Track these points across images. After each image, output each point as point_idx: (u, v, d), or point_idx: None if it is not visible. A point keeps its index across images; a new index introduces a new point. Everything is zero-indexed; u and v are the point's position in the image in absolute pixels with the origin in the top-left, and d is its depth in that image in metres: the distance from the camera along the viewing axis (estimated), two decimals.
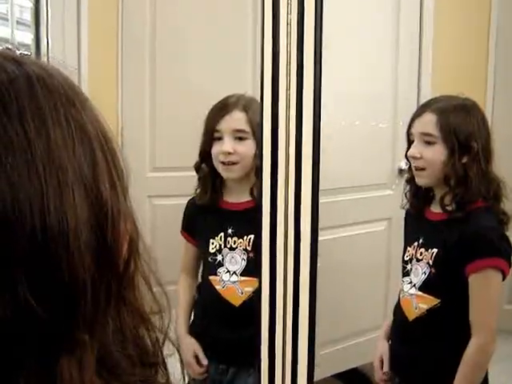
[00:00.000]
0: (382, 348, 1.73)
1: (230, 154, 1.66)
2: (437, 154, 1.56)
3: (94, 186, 0.43)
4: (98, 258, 0.42)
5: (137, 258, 0.48)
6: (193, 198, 1.80)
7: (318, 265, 1.57)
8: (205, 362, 1.76)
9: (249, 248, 1.70)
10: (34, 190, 0.39)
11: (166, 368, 0.51)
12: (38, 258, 0.39)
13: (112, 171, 0.45)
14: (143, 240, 0.49)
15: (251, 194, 1.70)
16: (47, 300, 0.39)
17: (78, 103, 0.45)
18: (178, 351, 0.54)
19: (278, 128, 1.55)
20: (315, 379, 1.66)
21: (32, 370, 0.40)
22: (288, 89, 1.52)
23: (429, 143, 1.57)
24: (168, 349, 0.52)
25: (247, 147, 1.68)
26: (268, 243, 1.59)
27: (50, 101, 0.43)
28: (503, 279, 1.52)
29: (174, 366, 0.55)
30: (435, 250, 1.57)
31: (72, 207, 0.41)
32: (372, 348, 1.82)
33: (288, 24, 1.50)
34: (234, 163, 1.68)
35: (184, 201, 1.86)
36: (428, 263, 1.58)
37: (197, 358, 1.76)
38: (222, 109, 1.70)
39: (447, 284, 1.57)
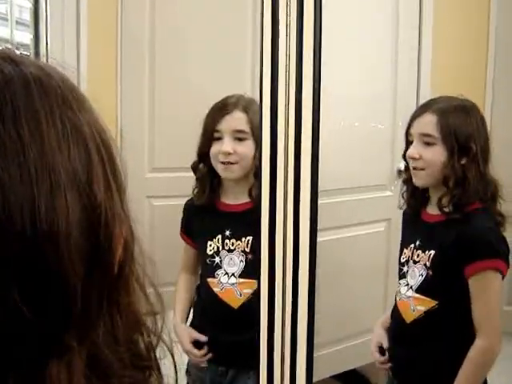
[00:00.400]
0: (379, 335, 1.73)
1: (229, 154, 1.66)
2: (436, 154, 1.56)
3: (87, 188, 0.42)
4: (90, 261, 0.42)
5: (131, 261, 0.48)
6: (191, 200, 1.80)
7: (317, 266, 1.57)
8: (204, 338, 1.74)
9: (247, 249, 1.70)
10: (25, 192, 0.39)
11: (160, 372, 0.51)
12: (27, 260, 0.39)
13: (108, 174, 0.45)
14: (139, 243, 0.49)
15: (249, 195, 1.69)
16: (37, 302, 0.39)
17: (75, 105, 0.44)
18: (172, 355, 0.54)
19: (277, 129, 1.55)
20: (314, 380, 1.66)
21: (21, 372, 0.40)
22: (287, 90, 1.52)
23: (428, 144, 1.57)
24: (162, 352, 0.52)
25: (247, 148, 1.68)
26: (267, 244, 1.58)
27: (45, 102, 0.42)
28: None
29: (168, 368, 0.55)
30: (432, 252, 1.57)
31: (64, 210, 0.40)
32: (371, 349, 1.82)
33: (287, 26, 1.50)
34: (233, 163, 1.68)
35: (183, 201, 1.85)
36: (425, 265, 1.58)
37: (194, 343, 1.75)
38: (222, 109, 1.70)
39: (445, 286, 1.57)
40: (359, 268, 2.48)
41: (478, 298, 1.51)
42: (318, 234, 1.57)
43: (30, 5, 2.56)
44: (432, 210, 1.63)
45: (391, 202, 2.36)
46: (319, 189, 1.56)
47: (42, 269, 0.39)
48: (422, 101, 1.81)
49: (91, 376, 0.44)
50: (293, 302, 1.57)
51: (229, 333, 1.70)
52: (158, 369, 0.51)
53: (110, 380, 0.46)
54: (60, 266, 0.40)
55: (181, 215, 1.86)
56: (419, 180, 1.62)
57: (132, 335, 0.48)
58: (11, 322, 0.39)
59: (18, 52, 0.47)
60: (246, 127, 1.68)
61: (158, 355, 0.51)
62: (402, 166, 1.78)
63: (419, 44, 2.68)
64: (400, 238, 1.76)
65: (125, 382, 0.47)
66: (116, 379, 0.46)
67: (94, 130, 0.45)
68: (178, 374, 0.56)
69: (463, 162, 1.55)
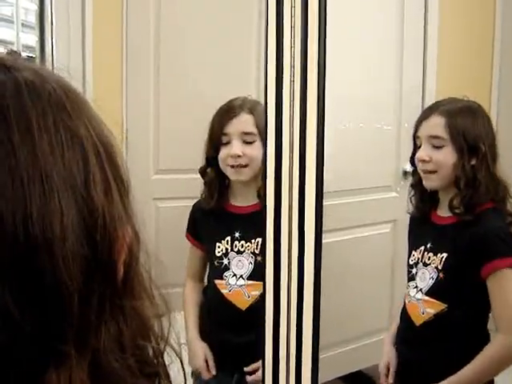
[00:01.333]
0: (389, 354, 1.72)
1: (239, 156, 1.66)
2: (447, 156, 1.56)
3: (84, 191, 0.42)
4: (88, 265, 0.41)
5: (136, 266, 0.47)
6: (199, 201, 1.80)
7: (323, 267, 1.57)
8: (213, 371, 1.74)
9: (257, 251, 1.69)
10: (17, 197, 0.38)
11: (169, 379, 0.50)
12: (21, 267, 0.38)
13: (108, 176, 0.44)
14: (145, 246, 0.48)
15: (258, 196, 1.69)
16: (31, 310, 0.38)
17: (70, 107, 0.44)
18: (181, 360, 0.53)
19: (281, 130, 1.55)
20: (320, 382, 1.66)
21: (18, 380, 0.39)
22: (292, 91, 1.52)
23: (437, 146, 1.57)
24: (168, 357, 0.51)
25: (256, 149, 1.67)
26: (272, 246, 1.58)
27: (37, 105, 0.42)
28: None
29: (175, 373, 0.54)
30: (444, 255, 1.56)
31: (58, 215, 0.40)
32: (377, 350, 1.82)
33: (292, 27, 1.49)
34: (243, 166, 1.67)
35: (189, 203, 1.85)
36: (436, 268, 1.57)
37: (207, 362, 1.76)
38: (228, 112, 1.69)
39: (456, 288, 1.56)
40: (365, 269, 2.48)
41: (497, 296, 1.51)
42: (324, 235, 1.57)
43: (35, 7, 2.57)
44: (442, 211, 1.62)
45: (397, 203, 2.36)
46: (324, 190, 1.56)
47: (35, 274, 0.39)
48: (428, 101, 1.82)
49: (95, 383, 0.43)
50: (298, 303, 1.57)
51: (236, 334, 1.70)
52: (167, 375, 0.50)
53: None
54: (55, 271, 0.39)
55: (187, 217, 1.85)
56: (431, 183, 1.61)
57: (139, 341, 0.47)
58: (5, 328, 0.38)
59: (24, 55, 0.47)
60: (253, 129, 1.67)
61: (165, 360, 0.51)
62: (407, 166, 1.78)
63: (424, 44, 2.68)
64: (406, 240, 1.75)
65: None
66: None
67: (92, 132, 0.44)
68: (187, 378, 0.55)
69: (473, 162, 1.55)
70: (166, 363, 0.51)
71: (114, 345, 0.45)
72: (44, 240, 0.39)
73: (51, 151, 0.41)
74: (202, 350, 1.75)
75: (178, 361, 0.53)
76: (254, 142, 1.67)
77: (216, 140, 1.69)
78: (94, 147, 0.44)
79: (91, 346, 0.43)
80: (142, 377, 0.47)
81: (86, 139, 0.43)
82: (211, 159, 1.71)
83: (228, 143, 1.67)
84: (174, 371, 0.53)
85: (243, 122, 1.67)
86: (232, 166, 1.67)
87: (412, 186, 1.70)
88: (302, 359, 1.59)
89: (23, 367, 0.39)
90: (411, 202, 1.70)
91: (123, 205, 0.45)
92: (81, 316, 0.41)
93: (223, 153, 1.68)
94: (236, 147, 1.66)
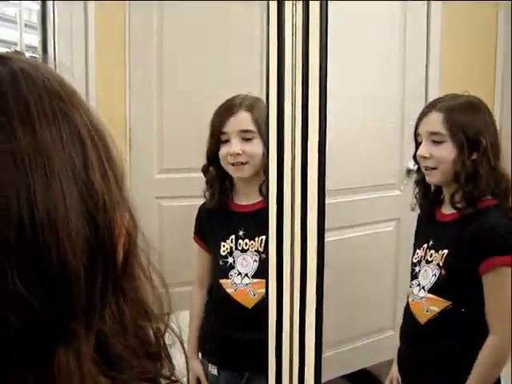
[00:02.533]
0: (397, 372, 1.72)
1: (238, 154, 1.67)
2: (446, 152, 1.56)
3: (83, 174, 0.43)
4: (90, 246, 0.42)
5: (134, 249, 0.48)
6: (204, 203, 1.80)
7: (326, 266, 1.57)
8: None
9: (261, 249, 1.69)
10: (20, 180, 0.40)
11: (170, 361, 0.51)
12: (27, 247, 0.39)
13: (103, 161, 0.45)
14: (142, 231, 0.49)
15: (260, 192, 1.69)
16: (39, 289, 0.40)
17: (63, 95, 0.45)
18: (182, 343, 0.54)
19: (283, 129, 1.55)
20: (323, 380, 1.66)
21: (28, 360, 0.40)
22: (294, 90, 1.52)
23: (437, 142, 1.57)
24: (169, 339, 0.52)
25: (255, 147, 1.68)
26: (275, 245, 1.58)
27: (34, 91, 0.43)
28: None
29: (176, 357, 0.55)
30: (446, 251, 1.56)
31: (60, 197, 0.41)
32: (381, 349, 1.82)
33: (293, 25, 1.49)
34: (243, 163, 1.68)
35: (192, 202, 1.86)
36: (438, 265, 1.57)
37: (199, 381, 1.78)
38: (227, 110, 1.70)
39: (458, 285, 1.56)
40: (369, 268, 2.47)
41: (492, 295, 1.51)
42: (327, 233, 1.57)
43: (38, 7, 2.57)
44: (446, 209, 1.62)
45: (401, 202, 2.35)
46: (328, 188, 1.56)
47: (41, 254, 0.40)
48: (432, 99, 1.81)
49: (101, 364, 0.44)
50: (301, 301, 1.57)
51: (244, 332, 1.69)
52: (169, 357, 0.51)
53: (121, 368, 0.46)
54: (60, 252, 0.40)
55: (190, 216, 1.85)
56: (432, 178, 1.61)
57: (140, 322, 0.49)
58: (14, 308, 0.39)
59: (27, 54, 0.48)
60: (252, 127, 1.68)
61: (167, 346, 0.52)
62: (410, 165, 1.78)
63: (428, 43, 2.68)
64: (410, 238, 1.75)
65: (135, 370, 0.47)
66: (126, 368, 0.46)
67: (85, 118, 0.45)
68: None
69: (474, 157, 1.55)
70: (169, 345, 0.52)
71: (117, 327, 0.46)
72: (48, 221, 0.40)
73: (50, 136, 0.42)
74: (196, 370, 1.78)
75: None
76: (253, 138, 1.68)
77: (216, 138, 1.70)
78: (88, 132, 0.45)
79: (96, 326, 0.44)
80: (145, 357, 0.49)
81: (81, 126, 0.44)
82: (212, 157, 1.72)
83: (227, 141, 1.68)
84: (177, 358, 0.53)
85: (241, 120, 1.68)
86: (233, 164, 1.68)
87: (416, 182, 1.71)
88: (306, 358, 1.59)
89: (34, 343, 0.40)
90: (416, 198, 1.70)
91: (119, 190, 0.46)
92: (87, 295, 0.42)
93: (223, 151, 1.69)
94: (235, 146, 1.67)
